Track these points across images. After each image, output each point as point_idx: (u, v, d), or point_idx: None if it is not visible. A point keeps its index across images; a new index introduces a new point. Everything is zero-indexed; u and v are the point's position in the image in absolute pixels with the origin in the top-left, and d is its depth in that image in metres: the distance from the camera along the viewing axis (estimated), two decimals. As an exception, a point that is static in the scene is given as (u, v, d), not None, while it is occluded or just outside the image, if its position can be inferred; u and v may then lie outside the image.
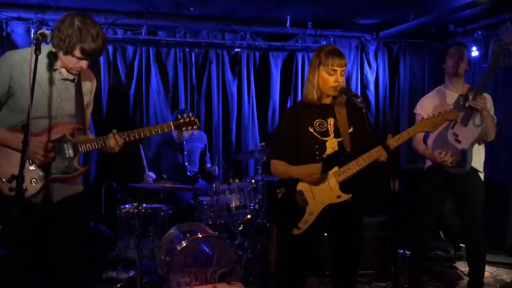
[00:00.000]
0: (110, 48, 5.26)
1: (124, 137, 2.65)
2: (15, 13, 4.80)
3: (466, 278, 4.21)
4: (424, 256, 3.85)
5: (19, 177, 2.11)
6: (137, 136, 2.68)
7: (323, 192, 2.68)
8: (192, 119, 2.87)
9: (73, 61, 2.48)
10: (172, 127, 2.81)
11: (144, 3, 4.82)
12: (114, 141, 2.61)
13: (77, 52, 2.44)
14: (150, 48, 5.38)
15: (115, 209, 4.28)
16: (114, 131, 2.65)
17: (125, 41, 5.28)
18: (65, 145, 2.56)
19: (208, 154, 5.27)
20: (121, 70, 5.33)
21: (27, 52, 2.42)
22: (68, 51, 2.45)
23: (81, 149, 2.59)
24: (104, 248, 4.46)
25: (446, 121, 2.71)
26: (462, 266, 4.69)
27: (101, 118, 5.23)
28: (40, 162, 2.48)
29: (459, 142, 3.45)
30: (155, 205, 4.35)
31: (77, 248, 2.70)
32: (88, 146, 2.61)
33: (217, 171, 5.01)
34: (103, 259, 4.43)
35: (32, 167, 2.50)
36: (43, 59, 2.52)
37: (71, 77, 2.60)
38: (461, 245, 4.93)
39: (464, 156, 3.42)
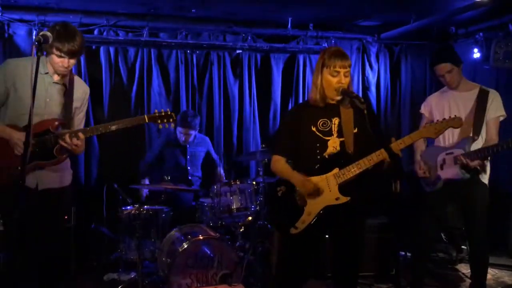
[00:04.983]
0: (111, 49, 5.27)
1: (89, 132, 2.94)
2: (16, 15, 4.81)
3: (468, 280, 4.21)
4: (426, 258, 3.84)
5: (20, 179, 2.13)
6: (113, 128, 2.94)
7: (316, 191, 2.67)
8: (168, 113, 3.07)
9: (55, 60, 2.79)
10: (146, 119, 3.03)
11: (146, 5, 4.82)
12: (74, 138, 2.82)
13: (54, 50, 2.74)
14: (152, 50, 5.38)
15: (116, 211, 4.28)
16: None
17: (126, 43, 5.28)
18: (47, 136, 2.83)
19: (217, 158, 5.22)
20: (122, 72, 5.33)
21: (23, 60, 2.96)
22: (48, 51, 2.76)
23: (61, 140, 2.83)
24: (105, 250, 4.46)
25: (449, 127, 2.69)
26: (464, 268, 4.68)
27: (103, 120, 5.24)
28: (18, 152, 2.75)
29: (441, 168, 3.50)
30: (156, 207, 4.34)
31: (51, 240, 2.93)
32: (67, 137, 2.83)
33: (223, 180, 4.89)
34: (104, 261, 4.43)
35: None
36: (39, 65, 2.68)
37: (60, 81, 2.93)
38: (462, 247, 4.92)
39: (436, 180, 3.51)
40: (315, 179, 2.69)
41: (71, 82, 2.99)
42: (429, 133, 2.69)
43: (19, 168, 2.65)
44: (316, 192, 2.65)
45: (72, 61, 2.84)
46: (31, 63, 2.78)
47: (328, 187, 2.68)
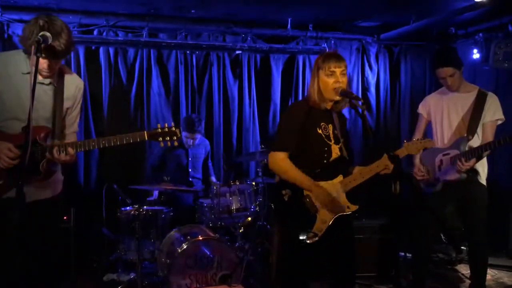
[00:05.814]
0: (111, 50, 5.27)
1: (80, 148, 2.56)
2: (16, 15, 4.80)
3: (468, 281, 4.21)
4: (426, 259, 3.83)
5: (19, 180, 2.11)
6: (106, 144, 2.58)
7: (333, 201, 2.66)
8: (173, 129, 2.71)
9: (35, 61, 2.32)
10: (146, 137, 2.64)
11: (146, 5, 4.82)
12: (62, 153, 2.51)
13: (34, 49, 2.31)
14: (151, 50, 5.38)
15: (116, 211, 4.28)
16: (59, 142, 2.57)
17: (126, 43, 5.29)
18: (34, 148, 2.48)
19: (210, 164, 5.23)
20: (122, 72, 5.33)
21: (4, 56, 2.60)
22: (29, 49, 2.38)
23: (48, 155, 2.52)
24: (105, 250, 4.46)
25: (424, 148, 2.77)
26: (464, 269, 4.68)
27: (102, 121, 5.24)
28: (4, 166, 2.45)
29: (439, 169, 3.53)
30: (156, 207, 4.34)
31: (44, 253, 2.69)
32: (54, 152, 2.51)
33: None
34: (104, 261, 4.43)
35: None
36: (21, 63, 2.53)
37: (46, 81, 2.57)
38: (462, 248, 4.92)
39: (436, 182, 3.54)
40: (325, 184, 2.68)
41: (61, 79, 2.63)
42: (412, 150, 2.75)
43: (16, 171, 2.44)
44: (331, 202, 2.65)
45: (56, 63, 2.50)
46: (9, 60, 2.55)
47: (338, 195, 2.68)
